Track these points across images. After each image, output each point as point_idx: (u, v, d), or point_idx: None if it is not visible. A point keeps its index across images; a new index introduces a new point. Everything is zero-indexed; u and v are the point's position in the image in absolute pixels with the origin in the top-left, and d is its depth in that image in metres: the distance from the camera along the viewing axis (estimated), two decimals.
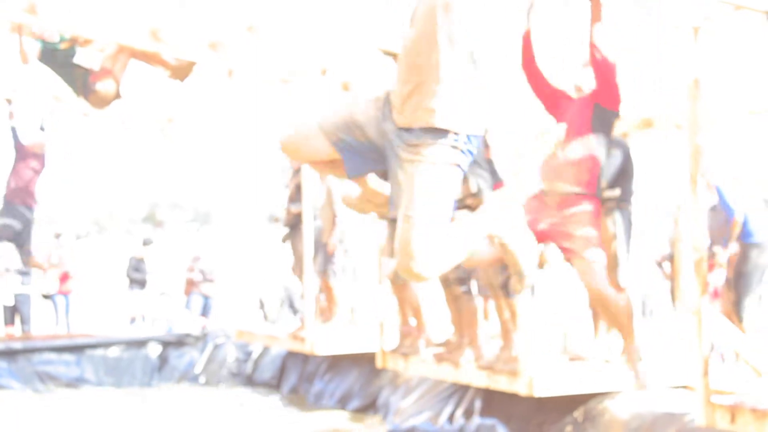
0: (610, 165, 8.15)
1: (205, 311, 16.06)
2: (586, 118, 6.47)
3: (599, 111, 6.50)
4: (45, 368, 12.75)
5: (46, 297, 15.56)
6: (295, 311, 16.03)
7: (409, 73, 3.73)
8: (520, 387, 7.52)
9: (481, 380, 8.11)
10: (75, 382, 12.77)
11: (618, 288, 8.26)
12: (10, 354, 12.62)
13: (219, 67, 9.09)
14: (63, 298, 15.62)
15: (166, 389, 12.95)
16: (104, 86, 8.39)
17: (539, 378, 7.40)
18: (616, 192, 8.27)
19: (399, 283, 9.19)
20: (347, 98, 9.25)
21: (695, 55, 6.05)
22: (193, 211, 31.42)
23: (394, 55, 7.95)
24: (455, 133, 3.70)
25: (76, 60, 8.37)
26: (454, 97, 3.69)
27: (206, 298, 16.21)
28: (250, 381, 13.00)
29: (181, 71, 8.65)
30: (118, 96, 8.51)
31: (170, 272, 18.03)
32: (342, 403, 10.92)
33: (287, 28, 8.58)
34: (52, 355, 12.93)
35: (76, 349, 13.14)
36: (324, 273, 11.24)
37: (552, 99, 6.72)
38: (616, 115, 6.61)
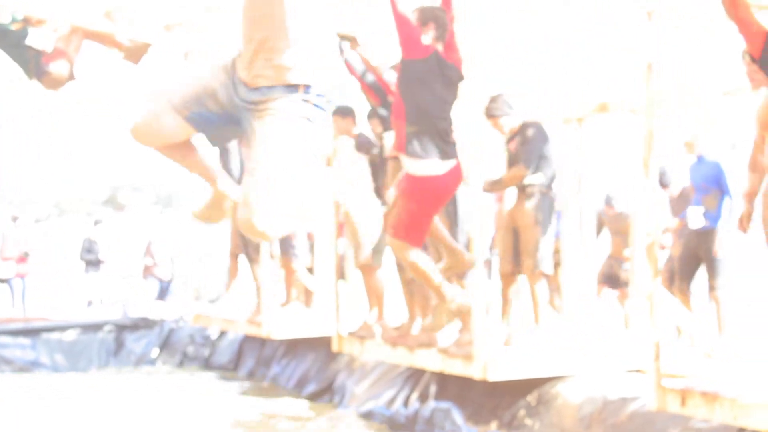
0: (527, 151, 8.22)
1: (161, 295, 15.98)
2: None
3: None
4: (0, 352, 12.66)
5: (2, 281, 15.45)
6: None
7: (252, 29, 3.61)
8: (474, 371, 7.52)
9: (435, 364, 8.11)
10: (30, 366, 12.69)
11: (532, 275, 8.33)
12: None
13: (175, 49, 9.00)
14: (20, 281, 15.52)
15: (123, 373, 12.87)
16: (57, 67, 8.29)
17: (493, 362, 7.40)
18: (538, 177, 8.34)
19: (368, 269, 9.16)
20: (195, 69, 9.21)
21: (649, 38, 6.03)
22: (155, 194, 31.23)
23: (352, 39, 7.91)
24: (306, 87, 3.60)
25: (28, 41, 8.25)
26: (302, 50, 3.58)
27: (162, 282, 16.14)
28: (207, 365, 12.96)
29: (136, 53, 8.55)
30: (71, 77, 8.41)
31: (130, 256, 17.95)
32: (299, 386, 10.90)
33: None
34: (8, 339, 12.84)
35: (32, 332, 13.05)
36: (285, 256, 11.20)
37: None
38: None
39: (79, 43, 8.44)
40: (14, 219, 16.05)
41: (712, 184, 8.03)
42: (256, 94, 3.62)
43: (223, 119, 3.75)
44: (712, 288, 7.93)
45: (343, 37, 7.89)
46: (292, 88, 3.58)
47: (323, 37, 3.68)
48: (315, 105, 3.63)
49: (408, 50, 6.09)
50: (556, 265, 10.61)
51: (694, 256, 8.04)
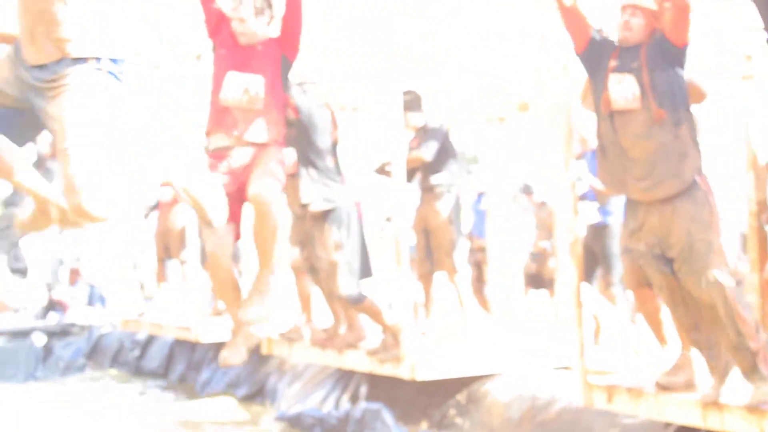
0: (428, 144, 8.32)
1: (91, 300, 15.83)
2: None
3: None
4: None
5: None
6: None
7: (27, 2, 3.33)
8: (403, 372, 7.53)
9: (364, 365, 8.11)
10: None
11: (452, 270, 8.41)
12: None
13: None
14: None
15: (52, 381, 12.73)
16: None
17: (421, 362, 7.41)
18: (444, 177, 8.44)
19: (298, 271, 9.13)
20: None
21: (567, 38, 6.06)
22: None
23: None
24: (96, 59, 3.36)
25: None
26: (83, 19, 3.34)
27: (92, 286, 15.98)
28: (137, 370, 12.83)
29: None
30: None
31: (58, 261, 17.74)
32: (230, 390, 10.84)
33: None
34: None
35: None
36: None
37: None
38: None
39: None
40: None
41: None
42: (46, 72, 3.36)
43: (17, 114, 3.48)
44: (608, 284, 8.02)
45: None
46: (80, 60, 3.34)
47: (107, 5, 3.42)
48: (110, 73, 3.39)
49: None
50: (482, 262, 10.70)
51: (591, 252, 8.08)
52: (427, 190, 8.59)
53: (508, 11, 6.96)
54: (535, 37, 6.83)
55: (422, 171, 8.60)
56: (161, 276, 12.31)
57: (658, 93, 5.50)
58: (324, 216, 7.63)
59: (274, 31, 5.55)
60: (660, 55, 5.54)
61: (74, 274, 16.07)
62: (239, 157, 5.39)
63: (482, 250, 10.90)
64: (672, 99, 5.54)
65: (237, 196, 5.16)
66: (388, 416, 7.93)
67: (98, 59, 3.37)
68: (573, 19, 5.67)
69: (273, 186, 5.50)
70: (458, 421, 7.34)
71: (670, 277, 5.57)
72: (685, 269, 5.44)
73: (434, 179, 8.53)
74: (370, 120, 9.83)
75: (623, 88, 5.57)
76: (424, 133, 8.48)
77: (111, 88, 3.39)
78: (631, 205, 5.69)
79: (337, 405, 8.70)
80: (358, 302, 7.61)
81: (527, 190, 10.73)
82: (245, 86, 5.33)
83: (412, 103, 8.43)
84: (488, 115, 9.64)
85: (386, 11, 6.90)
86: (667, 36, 5.48)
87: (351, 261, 7.58)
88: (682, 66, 5.58)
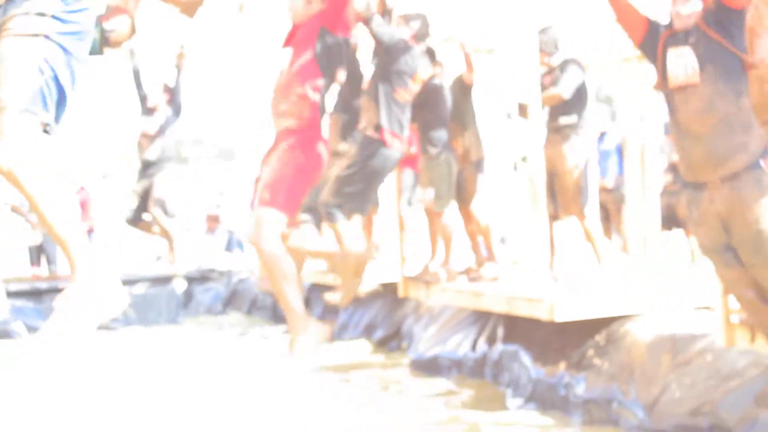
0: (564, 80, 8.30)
1: (229, 246, 16.10)
2: None
3: None
4: None
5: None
6: None
7: None
8: (540, 313, 7.52)
9: (501, 307, 8.12)
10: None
11: (580, 214, 8.40)
12: (36, 294, 12.69)
13: (230, 2, 9.01)
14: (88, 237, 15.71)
15: (193, 325, 13.02)
16: (117, 25, 8.31)
17: (560, 303, 7.39)
18: (572, 118, 8.40)
19: (434, 212, 9.20)
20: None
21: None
22: (216, 147, 31.34)
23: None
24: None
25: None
26: None
27: (230, 233, 16.25)
28: (274, 314, 13.04)
29: (191, 6, 8.57)
30: (133, 33, 8.44)
31: (194, 208, 18.07)
32: (366, 334, 10.96)
33: None
34: None
35: None
36: None
37: None
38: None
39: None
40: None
41: None
42: None
43: None
44: None
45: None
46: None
47: None
48: (55, 18, 3.10)
49: None
50: (607, 202, 10.59)
51: None
52: (555, 131, 8.51)
53: None
54: None
55: (551, 110, 8.53)
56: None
57: (717, 64, 5.31)
58: None
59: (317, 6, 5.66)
60: (717, 22, 5.33)
61: (213, 221, 16.35)
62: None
63: (606, 190, 10.80)
64: (732, 69, 5.35)
65: None
66: (525, 357, 7.94)
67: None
68: (625, 12, 5.58)
69: (270, 230, 5.56)
70: (597, 362, 7.30)
71: (739, 271, 5.42)
72: (755, 261, 5.29)
73: (563, 120, 8.45)
74: (506, 61, 9.78)
75: (682, 63, 5.38)
76: (560, 71, 8.41)
77: (51, 36, 3.09)
78: (693, 192, 5.50)
79: (473, 347, 8.73)
80: None
81: (667, 130, 10.56)
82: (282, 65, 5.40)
83: (549, 41, 8.36)
84: (624, 54, 9.50)
85: None
86: (724, 0, 5.28)
87: None
88: (741, 31, 5.35)
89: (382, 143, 7.62)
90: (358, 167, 7.62)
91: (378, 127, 7.81)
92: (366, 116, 7.99)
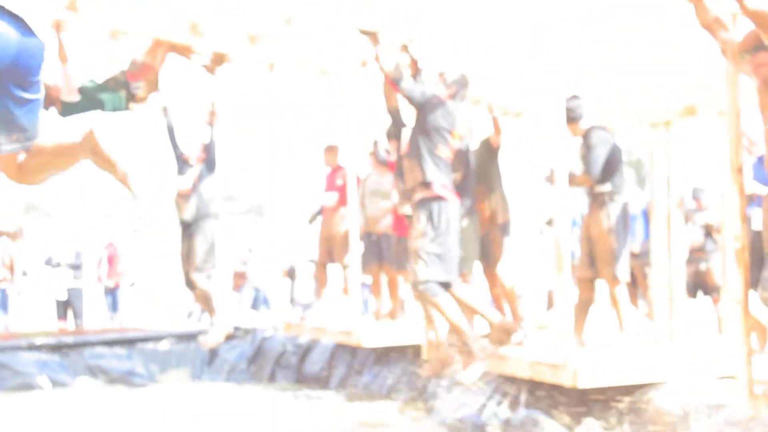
0: (592, 157, 8.35)
1: (255, 304, 16.12)
2: None
3: None
4: (97, 362, 12.83)
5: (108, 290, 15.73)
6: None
7: None
8: (563, 379, 7.47)
9: (524, 372, 8.07)
10: (126, 376, 12.84)
11: (612, 279, 8.39)
12: (62, 348, 12.71)
13: (260, 61, 9.07)
14: (115, 292, 15.78)
15: (217, 382, 13.00)
16: (144, 83, 8.38)
17: (583, 370, 7.34)
18: (607, 186, 8.41)
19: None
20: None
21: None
22: (247, 202, 31.46)
23: (373, 34, 7.92)
24: None
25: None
26: None
27: (257, 290, 16.27)
28: (299, 373, 13.01)
29: (214, 64, 8.66)
30: (156, 89, 8.52)
31: (223, 264, 18.09)
32: (390, 394, 10.91)
33: (324, 20, 8.53)
34: (104, 349, 13.01)
35: (128, 342, 13.23)
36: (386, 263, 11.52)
37: None
38: None
39: (164, 56, 8.54)
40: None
41: None
42: None
43: None
44: None
45: (363, 33, 7.94)
46: None
47: None
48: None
49: None
50: (634, 268, 10.53)
51: (759, 258, 7.84)
52: (593, 197, 8.57)
53: (676, 15, 6.87)
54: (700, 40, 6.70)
55: None
56: (322, 280, 12.46)
57: None
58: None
59: None
60: None
61: (240, 278, 16.38)
62: None
63: (632, 255, 10.75)
64: None
65: None
66: (548, 423, 7.87)
67: None
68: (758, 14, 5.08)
69: None
70: (619, 429, 7.24)
71: None
72: None
73: (599, 188, 8.50)
74: (533, 125, 9.81)
75: None
76: (588, 141, 8.44)
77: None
78: None
79: (496, 411, 8.67)
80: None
81: (696, 195, 10.54)
82: None
83: (576, 108, 8.40)
84: (653, 119, 9.49)
85: (552, 16, 6.88)
86: None
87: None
88: None
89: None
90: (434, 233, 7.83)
91: (426, 184, 7.88)
92: (411, 177, 8.03)
